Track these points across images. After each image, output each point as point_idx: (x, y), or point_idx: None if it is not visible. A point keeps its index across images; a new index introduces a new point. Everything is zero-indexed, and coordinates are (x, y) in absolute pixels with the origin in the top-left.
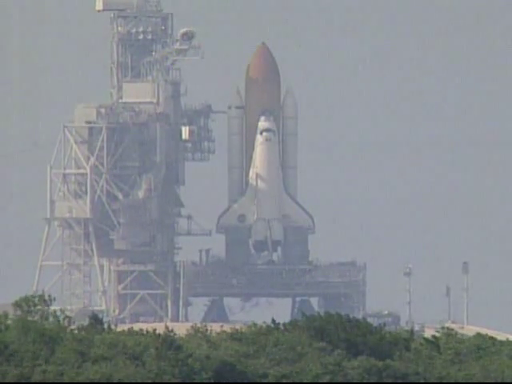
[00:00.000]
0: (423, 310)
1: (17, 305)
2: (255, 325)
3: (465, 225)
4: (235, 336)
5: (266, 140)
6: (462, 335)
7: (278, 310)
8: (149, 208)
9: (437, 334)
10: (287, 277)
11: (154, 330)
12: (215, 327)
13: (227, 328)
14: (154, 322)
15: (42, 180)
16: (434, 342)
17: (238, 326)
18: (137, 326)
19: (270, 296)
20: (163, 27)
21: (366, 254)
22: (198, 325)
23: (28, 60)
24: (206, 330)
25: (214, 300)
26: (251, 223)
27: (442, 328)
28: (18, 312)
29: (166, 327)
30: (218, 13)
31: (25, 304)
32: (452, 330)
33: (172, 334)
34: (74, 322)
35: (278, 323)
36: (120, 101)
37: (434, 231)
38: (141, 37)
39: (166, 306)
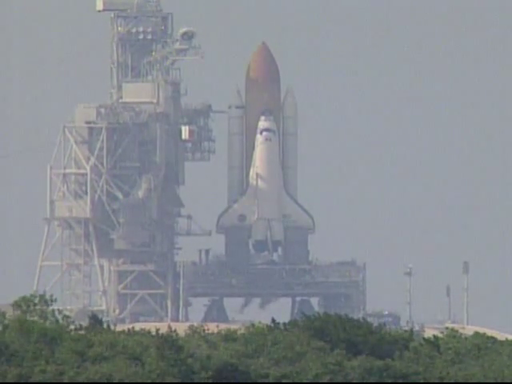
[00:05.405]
0: (423, 310)
1: (16, 305)
2: (255, 324)
3: (465, 225)
4: (232, 336)
5: (266, 140)
6: (464, 336)
7: (278, 310)
8: (149, 208)
9: (440, 335)
10: (287, 277)
11: (157, 330)
12: (212, 327)
13: (224, 328)
14: (154, 321)
15: (42, 180)
16: (433, 342)
17: (236, 326)
18: (137, 326)
19: (269, 296)
20: (163, 27)
21: (366, 254)
22: (196, 325)
23: (28, 60)
24: (204, 330)
25: (214, 300)
26: (251, 223)
27: (447, 329)
28: (17, 312)
29: (169, 327)
30: (217, 13)
31: (24, 304)
32: (457, 331)
33: (174, 335)
34: (73, 322)
35: (278, 323)
36: (120, 101)
37: (434, 231)
38: (141, 37)
39: (166, 306)
